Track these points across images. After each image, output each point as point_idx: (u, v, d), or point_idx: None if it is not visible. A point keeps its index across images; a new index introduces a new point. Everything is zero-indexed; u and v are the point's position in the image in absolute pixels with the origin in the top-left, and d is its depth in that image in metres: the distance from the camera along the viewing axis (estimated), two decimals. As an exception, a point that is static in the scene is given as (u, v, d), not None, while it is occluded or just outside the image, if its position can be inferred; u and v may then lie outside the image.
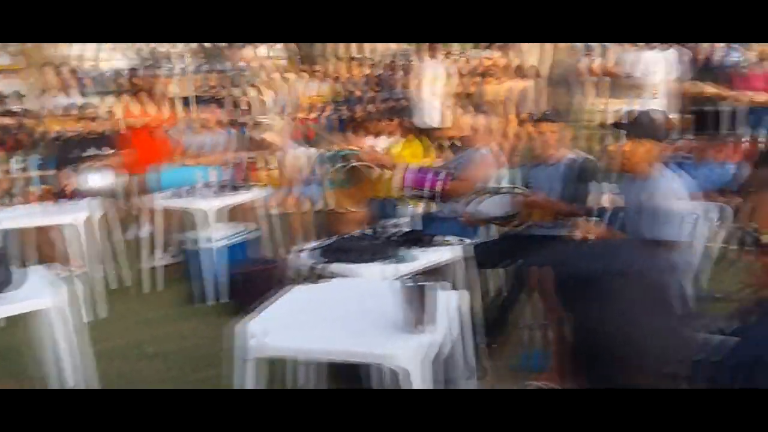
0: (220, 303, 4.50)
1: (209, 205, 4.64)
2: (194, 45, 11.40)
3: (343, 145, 5.07)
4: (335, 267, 3.02)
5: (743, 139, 5.46)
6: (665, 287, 1.00)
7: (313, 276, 3.05)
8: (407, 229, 3.62)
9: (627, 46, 6.94)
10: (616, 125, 3.28)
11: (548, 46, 6.26)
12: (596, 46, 6.93)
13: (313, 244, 3.42)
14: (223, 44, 9.32)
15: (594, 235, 2.93)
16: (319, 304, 2.51)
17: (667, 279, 1.02)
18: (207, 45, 11.80)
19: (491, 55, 5.87)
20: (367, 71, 10.37)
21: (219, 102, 7.87)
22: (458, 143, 4.60)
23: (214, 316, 4.21)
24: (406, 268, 3.00)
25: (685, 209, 2.83)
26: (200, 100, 8.05)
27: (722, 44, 7.10)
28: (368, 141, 5.79)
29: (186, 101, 7.82)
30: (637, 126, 2.93)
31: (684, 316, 1.03)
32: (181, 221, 5.16)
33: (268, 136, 5.86)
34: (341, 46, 11.55)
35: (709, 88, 5.84)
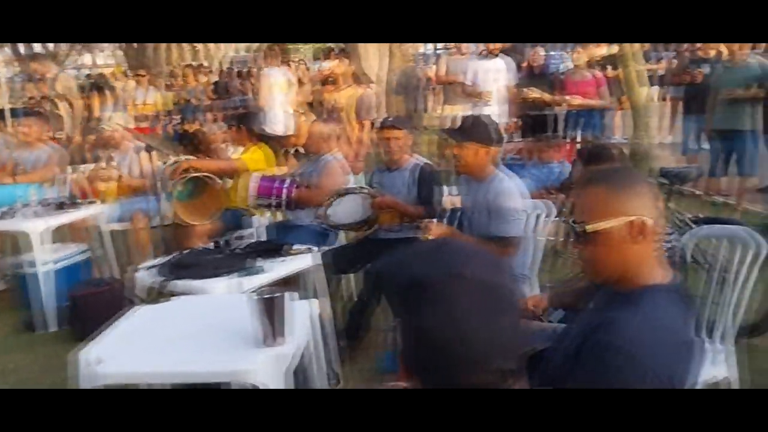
0: (62, 330, 4.13)
1: (33, 226, 4.23)
2: (8, 51, 10.40)
3: (182, 155, 4.84)
4: (178, 284, 2.87)
5: (566, 140, 5.93)
6: (497, 284, 1.02)
7: (155, 295, 2.88)
8: (255, 240, 3.53)
9: (460, 54, 7.30)
10: (445, 131, 3.43)
11: (387, 53, 6.42)
12: (432, 55, 7.19)
13: (154, 261, 3.23)
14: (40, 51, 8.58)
15: (439, 236, 3.02)
16: (163, 325, 2.37)
17: (499, 275, 1.04)
18: (23, 52, 10.82)
19: (331, 62, 5.92)
20: (205, 79, 10.06)
21: (39, 114, 7.21)
22: (302, 151, 4.58)
23: (54, 345, 3.85)
24: (255, 280, 2.91)
25: (519, 207, 3.00)
26: (19, 112, 7.34)
27: (546, 53, 7.72)
28: (214, 149, 5.60)
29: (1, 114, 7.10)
30: (464, 131, 3.05)
31: (516, 310, 1.06)
32: (12, 244, 4.69)
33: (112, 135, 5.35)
34: (175, 53, 11.10)
35: (535, 93, 6.28)
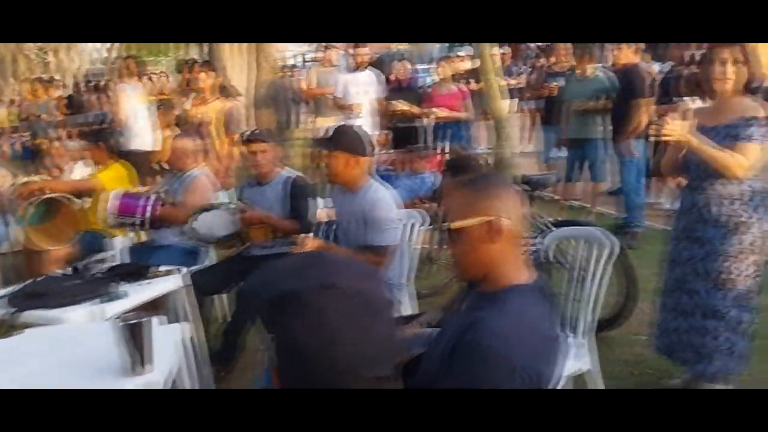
0: None
1: None
2: None
3: (32, 175, 4.48)
4: (32, 315, 2.64)
5: (436, 151, 6.11)
6: (369, 292, 1.03)
7: (5, 329, 2.63)
8: (118, 263, 3.32)
9: (329, 66, 7.33)
10: (315, 140, 3.43)
11: (254, 65, 6.32)
12: (301, 66, 7.17)
13: (4, 291, 2.94)
14: None
15: (312, 249, 2.99)
16: (14, 362, 2.15)
17: (370, 284, 1.05)
18: None
19: (197, 74, 5.72)
20: (57, 93, 9.42)
21: None
22: (166, 166, 4.38)
23: None
24: (118, 306, 2.74)
25: (393, 216, 3.04)
26: None
27: (412, 66, 7.94)
28: (66, 167, 5.23)
29: None
30: (334, 140, 3.05)
31: (390, 317, 1.07)
32: None
33: None
34: (22, 65, 10.33)
35: (403, 106, 6.43)
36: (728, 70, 2.70)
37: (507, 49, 11.54)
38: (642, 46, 6.07)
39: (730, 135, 2.70)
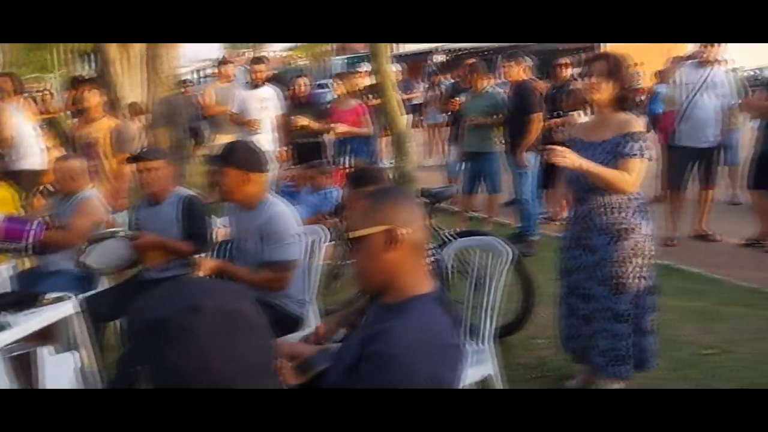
0: None
1: None
2: None
3: None
4: None
5: (337, 167, 6.14)
6: (237, 310, 1.04)
7: None
8: (2, 292, 3.11)
9: (226, 82, 7.22)
10: (207, 159, 3.35)
11: (146, 82, 6.11)
12: (197, 82, 7.01)
13: None
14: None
15: (210, 271, 2.92)
16: None
17: (238, 302, 1.06)
18: None
19: (83, 93, 5.46)
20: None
21: None
22: (52, 188, 4.15)
23: None
24: (3, 337, 2.56)
25: (292, 231, 3.01)
26: None
27: (311, 82, 7.96)
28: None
29: None
30: (224, 156, 2.99)
31: (263, 332, 1.08)
32: None
33: None
34: None
35: (303, 121, 6.42)
36: (597, 83, 2.90)
37: (402, 66, 11.79)
38: (529, 63, 6.38)
39: (612, 151, 2.88)
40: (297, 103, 6.74)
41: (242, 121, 6.53)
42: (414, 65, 12.88)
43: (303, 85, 6.82)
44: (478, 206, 6.75)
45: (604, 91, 2.91)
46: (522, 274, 3.87)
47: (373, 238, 1.57)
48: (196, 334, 0.99)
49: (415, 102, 11.48)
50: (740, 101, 5.75)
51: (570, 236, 3.11)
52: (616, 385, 3.05)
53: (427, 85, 10.85)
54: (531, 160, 5.83)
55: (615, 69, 2.90)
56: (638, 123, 2.92)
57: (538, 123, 5.69)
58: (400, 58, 18.92)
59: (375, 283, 1.63)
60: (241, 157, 2.97)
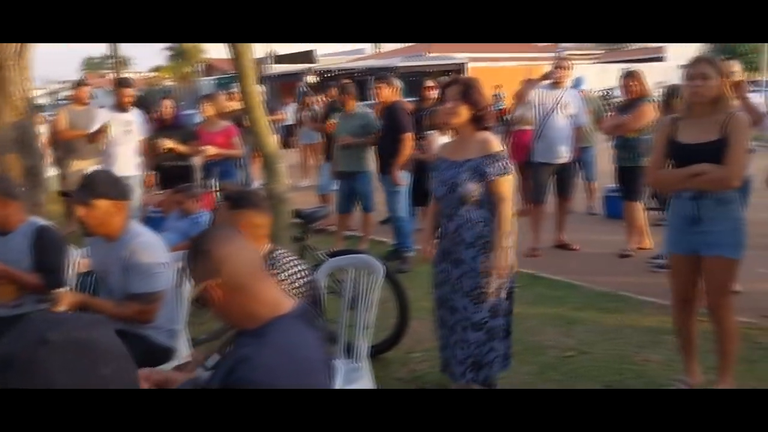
0: None
1: None
2: None
3: None
4: None
5: (206, 190, 5.98)
6: (92, 340, 1.02)
7: None
8: None
9: (81, 105, 6.85)
10: (65, 192, 3.15)
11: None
12: (54, 106, 6.59)
13: None
14: None
15: (71, 305, 2.75)
16: None
17: (93, 332, 1.03)
18: None
19: None
20: None
21: None
22: None
23: None
24: None
25: (158, 261, 2.89)
26: None
27: (177, 104, 7.69)
28: None
29: None
30: (90, 190, 2.83)
31: (120, 359, 1.06)
32: None
33: None
34: None
35: (169, 144, 6.21)
36: (453, 107, 3.05)
37: (274, 86, 11.72)
38: (399, 85, 6.57)
39: (476, 170, 3.03)
40: (163, 126, 6.50)
41: (97, 138, 6.26)
42: (285, 86, 12.84)
43: (169, 107, 6.59)
44: (353, 225, 6.83)
45: (461, 114, 3.06)
46: (397, 290, 3.94)
47: (210, 291, 1.59)
48: (41, 368, 0.96)
49: (288, 123, 11.45)
50: (599, 122, 6.22)
51: (440, 251, 3.22)
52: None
53: (300, 106, 10.84)
54: (404, 177, 5.99)
55: (468, 93, 3.07)
56: (497, 143, 3.09)
57: (409, 142, 5.86)
58: (270, 79, 18.84)
59: (233, 320, 1.65)
60: (109, 187, 2.83)
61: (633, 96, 5.70)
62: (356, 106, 6.32)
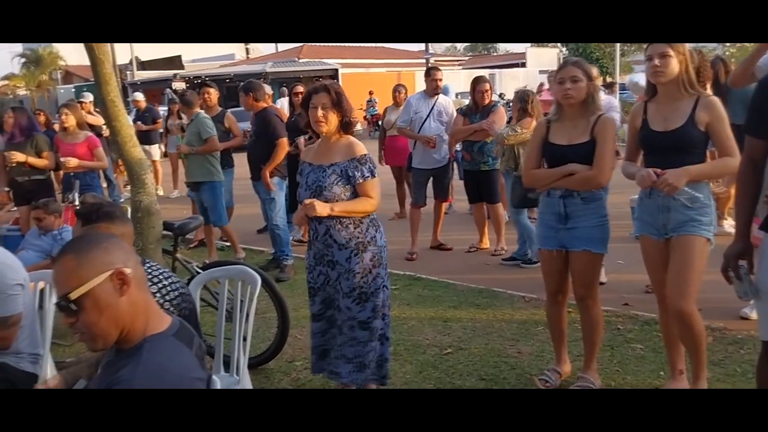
0: None
1: None
2: None
3: None
4: None
5: (66, 204, 5.60)
6: None
7: None
8: None
9: None
10: None
11: None
12: None
13: None
14: None
15: None
16: None
17: None
18: None
19: None
20: None
21: None
22: None
23: None
24: None
25: (11, 282, 2.66)
26: None
27: (32, 112, 7.14)
28: None
29: None
30: None
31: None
32: None
33: None
34: None
35: (20, 157, 5.76)
36: (323, 114, 3.06)
37: (141, 95, 11.23)
38: (270, 91, 6.49)
39: (342, 173, 3.04)
40: (11, 138, 6.00)
41: None
42: (151, 93, 12.31)
43: (17, 118, 6.08)
44: (222, 235, 6.65)
45: (331, 121, 3.07)
46: (276, 299, 3.88)
47: (99, 289, 1.46)
48: None
49: (160, 131, 10.98)
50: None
51: (313, 254, 3.20)
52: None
53: (167, 114, 10.42)
54: (278, 184, 5.92)
55: (337, 100, 3.08)
56: (361, 146, 3.12)
57: (282, 148, 5.80)
58: (135, 86, 18.04)
59: (112, 336, 1.50)
60: None
61: (487, 101, 5.96)
62: (193, 114, 6.22)
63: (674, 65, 2.90)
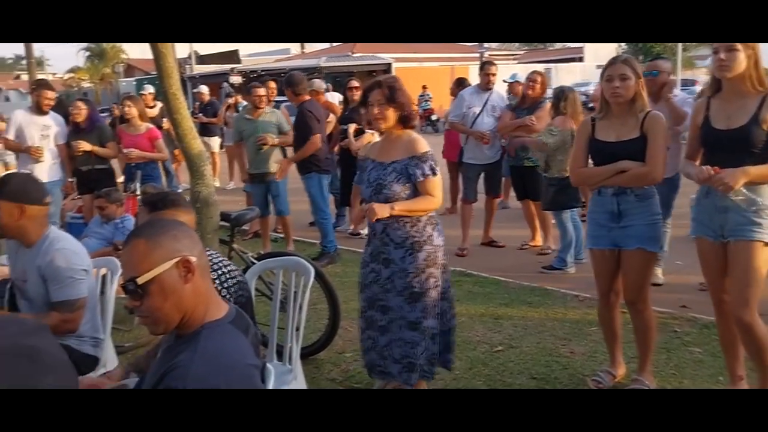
0: None
1: None
2: None
3: None
4: None
5: (128, 194, 5.79)
6: (43, 348, 0.98)
7: None
8: None
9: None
10: None
11: None
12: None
13: None
14: None
15: None
16: None
17: (31, 340, 0.99)
18: None
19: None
20: None
21: None
22: None
23: None
24: None
25: (78, 267, 2.78)
26: None
27: (97, 105, 7.40)
28: None
29: None
30: (9, 191, 2.71)
31: (59, 366, 1.02)
32: None
33: None
34: None
35: (86, 147, 5.97)
36: (379, 111, 3.06)
37: (206, 88, 11.47)
38: (324, 86, 6.55)
39: (402, 171, 3.04)
40: (77, 129, 6.23)
41: (20, 148, 5.92)
42: (210, 86, 12.57)
43: (83, 108, 6.30)
44: (279, 227, 6.76)
45: (388, 118, 3.07)
46: (328, 291, 3.93)
47: (165, 275, 1.50)
48: None
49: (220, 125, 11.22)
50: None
51: (369, 251, 3.22)
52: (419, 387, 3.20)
53: (225, 107, 10.63)
54: (314, 179, 6.01)
55: (394, 95, 3.07)
56: (424, 143, 3.11)
57: (311, 144, 5.85)
58: (193, 80, 18.47)
59: (173, 321, 1.54)
60: (15, 189, 2.70)
61: (535, 96, 5.87)
62: (265, 107, 6.28)
63: (741, 60, 2.79)
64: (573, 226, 5.46)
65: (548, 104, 5.81)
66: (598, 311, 3.47)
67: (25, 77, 37.05)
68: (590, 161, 3.29)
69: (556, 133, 5.24)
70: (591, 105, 8.69)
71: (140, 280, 1.49)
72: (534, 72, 6.05)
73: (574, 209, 5.49)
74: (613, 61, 3.18)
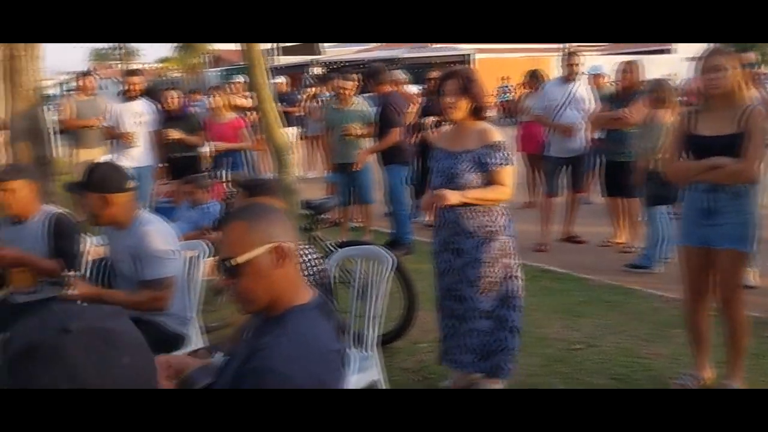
0: None
1: None
2: None
3: None
4: None
5: (215, 180, 6.00)
6: (110, 330, 1.04)
7: None
8: None
9: (86, 95, 6.86)
10: (67, 186, 3.20)
11: (9, 95, 5.68)
12: (59, 95, 6.59)
13: None
14: None
15: (85, 293, 2.78)
16: None
17: (111, 322, 1.05)
18: None
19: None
20: None
21: None
22: None
23: None
24: None
25: (168, 247, 2.92)
26: None
27: (184, 95, 7.72)
28: None
29: None
30: (84, 183, 2.86)
31: (140, 349, 1.07)
32: None
33: None
34: None
35: (176, 135, 6.23)
36: (453, 101, 3.05)
37: (286, 78, 11.72)
38: (403, 77, 6.57)
39: (475, 161, 3.03)
40: (168, 117, 6.52)
41: (117, 135, 6.27)
42: (291, 77, 12.82)
43: (175, 97, 6.59)
44: (357, 217, 6.84)
45: (461, 108, 3.07)
46: (405, 280, 3.96)
47: (260, 259, 1.55)
48: (66, 356, 0.96)
49: (297, 114, 11.44)
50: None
51: (439, 241, 3.23)
52: (495, 385, 3.19)
53: (305, 97, 10.82)
54: (395, 170, 6.02)
55: (468, 86, 3.06)
56: (496, 133, 3.09)
57: (390, 136, 5.88)
58: (278, 71, 18.86)
59: (262, 303, 1.60)
60: (97, 180, 2.85)
61: (628, 88, 5.66)
62: (351, 98, 6.28)
63: (728, 77, 2.71)
64: (664, 223, 5.24)
65: (641, 97, 5.58)
66: (683, 312, 3.35)
67: (119, 66, 38.92)
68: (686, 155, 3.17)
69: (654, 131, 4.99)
70: (682, 98, 8.32)
71: (236, 261, 1.55)
72: (625, 62, 5.83)
73: (668, 206, 5.26)
74: (709, 53, 3.05)
